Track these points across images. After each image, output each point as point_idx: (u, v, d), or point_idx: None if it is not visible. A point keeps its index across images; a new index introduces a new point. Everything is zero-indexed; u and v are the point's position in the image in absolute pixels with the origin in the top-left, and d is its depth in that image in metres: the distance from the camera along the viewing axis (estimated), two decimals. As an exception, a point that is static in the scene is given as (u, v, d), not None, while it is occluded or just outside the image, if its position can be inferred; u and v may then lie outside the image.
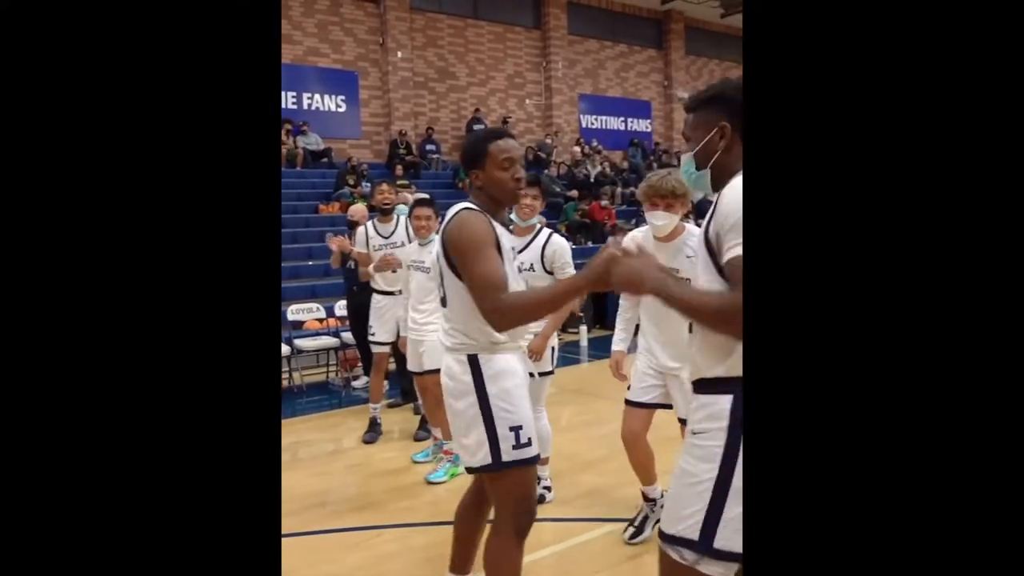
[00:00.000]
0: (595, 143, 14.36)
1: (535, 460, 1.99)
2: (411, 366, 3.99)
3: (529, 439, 1.95)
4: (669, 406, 2.86)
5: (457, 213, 1.95)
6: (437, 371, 3.56)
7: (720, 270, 1.40)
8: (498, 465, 1.93)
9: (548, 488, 3.42)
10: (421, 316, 3.87)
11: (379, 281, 4.56)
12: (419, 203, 3.98)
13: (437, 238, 3.70)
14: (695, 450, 1.44)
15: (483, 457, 1.94)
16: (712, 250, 1.41)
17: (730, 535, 1.36)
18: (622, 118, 15.91)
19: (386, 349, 4.58)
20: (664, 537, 1.46)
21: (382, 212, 4.55)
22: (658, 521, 2.87)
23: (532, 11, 14.41)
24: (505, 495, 2.00)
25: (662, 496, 3.00)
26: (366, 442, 4.53)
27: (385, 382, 5.59)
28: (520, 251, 3.24)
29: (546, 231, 3.30)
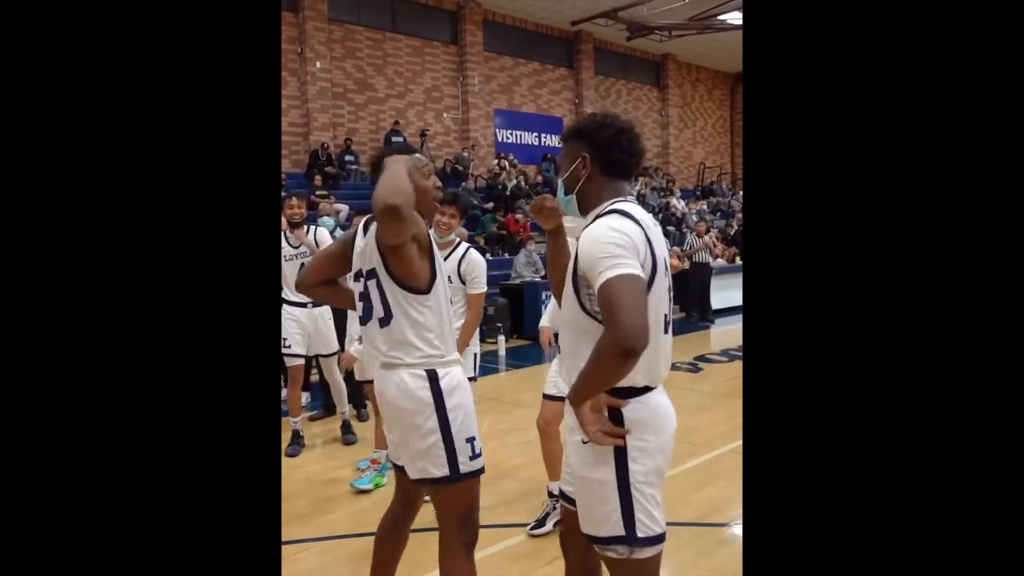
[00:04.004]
0: (511, 157, 14.65)
1: (482, 472, 2.05)
2: (359, 375, 4.02)
3: (480, 451, 2.01)
4: None
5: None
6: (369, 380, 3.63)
7: (583, 306, 1.55)
8: (456, 476, 1.97)
9: (474, 496, 3.56)
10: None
11: (287, 292, 4.43)
12: (359, 213, 4.01)
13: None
14: (588, 456, 1.56)
15: (440, 469, 1.97)
16: (577, 287, 1.55)
17: (647, 523, 1.54)
18: (536, 133, 16.28)
19: (300, 362, 4.52)
20: (595, 540, 1.58)
21: (293, 225, 4.40)
22: (559, 521, 3.13)
23: (449, 27, 14.57)
24: (452, 509, 2.04)
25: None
26: (289, 455, 4.50)
27: (306, 394, 5.56)
28: None
29: (464, 246, 3.46)
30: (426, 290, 1.96)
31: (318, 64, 12.37)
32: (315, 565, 3.05)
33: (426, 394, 1.95)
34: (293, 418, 4.60)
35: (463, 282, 3.40)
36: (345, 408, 4.76)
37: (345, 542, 3.26)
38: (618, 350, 1.36)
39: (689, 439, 4.57)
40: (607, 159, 1.63)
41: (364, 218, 2.10)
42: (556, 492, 3.21)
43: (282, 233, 4.47)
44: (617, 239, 1.45)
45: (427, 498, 3.63)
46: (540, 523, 3.22)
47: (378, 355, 2.03)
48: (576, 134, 1.68)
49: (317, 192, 10.72)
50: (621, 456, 1.53)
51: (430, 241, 1.98)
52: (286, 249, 4.43)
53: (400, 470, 2.20)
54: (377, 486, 3.88)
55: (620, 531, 1.54)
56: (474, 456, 2.00)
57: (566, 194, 1.69)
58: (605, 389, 1.51)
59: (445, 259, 3.37)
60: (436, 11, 14.27)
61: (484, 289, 3.44)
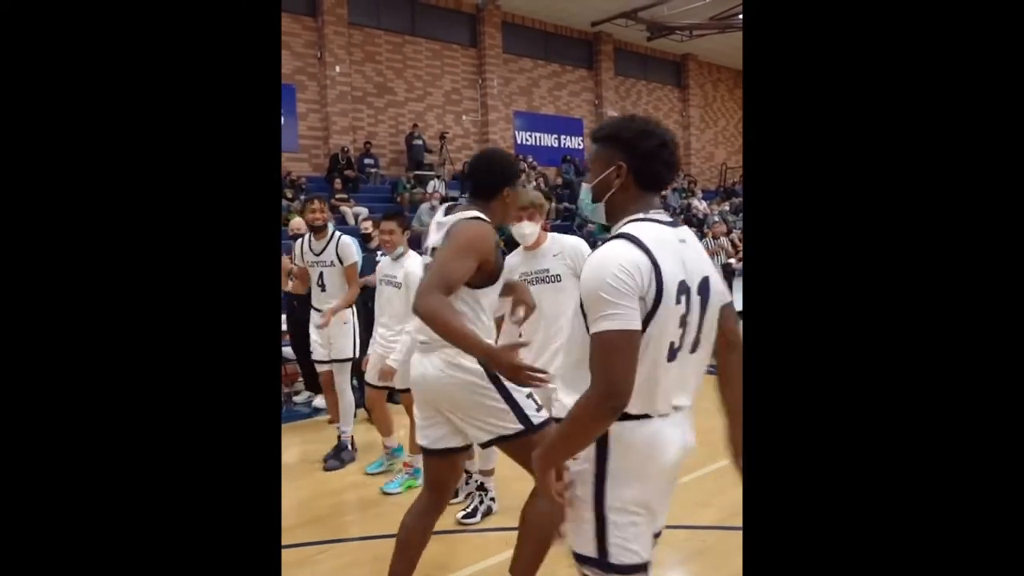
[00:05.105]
0: (530, 159, 14.64)
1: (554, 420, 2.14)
2: (369, 377, 3.97)
3: (541, 404, 2.15)
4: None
5: (472, 218, 2.12)
6: (405, 390, 3.57)
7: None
8: (531, 427, 2.09)
9: (493, 499, 3.54)
10: (390, 333, 3.84)
11: (313, 297, 4.45)
12: (385, 217, 3.99)
13: (411, 253, 3.64)
14: (574, 472, 1.50)
15: (514, 424, 2.09)
16: (584, 315, 1.43)
17: (619, 550, 1.46)
18: (555, 135, 16.26)
19: (326, 368, 4.47)
20: (574, 556, 1.53)
21: (314, 230, 4.32)
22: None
23: (468, 29, 14.62)
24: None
25: None
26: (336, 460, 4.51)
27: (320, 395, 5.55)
28: None
29: None
30: (481, 286, 2.09)
31: (337, 68, 12.47)
32: (335, 566, 3.06)
33: (476, 365, 2.06)
34: (332, 422, 4.61)
35: None
36: (347, 428, 4.51)
37: (365, 543, 3.27)
38: (601, 406, 1.36)
39: (711, 442, 4.50)
40: (645, 172, 1.51)
41: (445, 205, 2.29)
42: None
43: (306, 238, 4.44)
44: (616, 281, 1.36)
45: (454, 500, 3.65)
46: None
47: (422, 337, 2.16)
48: (613, 139, 1.54)
49: (337, 196, 10.79)
50: (599, 474, 1.46)
51: (496, 252, 2.10)
52: (308, 255, 4.38)
53: (433, 455, 2.25)
54: (409, 487, 3.89)
55: (592, 552, 1.48)
56: (539, 408, 2.13)
57: (594, 201, 1.57)
58: (582, 447, 1.45)
59: None
60: (455, 14, 14.32)
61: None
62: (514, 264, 3.03)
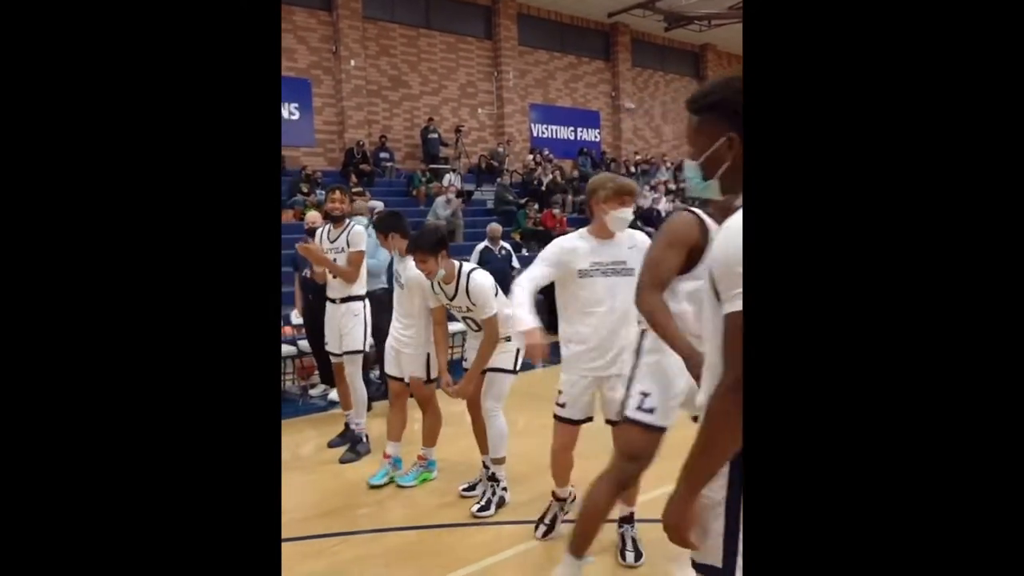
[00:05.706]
0: (546, 152, 14.60)
1: (655, 429, 2.26)
2: (388, 368, 3.99)
3: (654, 408, 2.25)
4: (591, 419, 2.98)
5: (683, 211, 2.23)
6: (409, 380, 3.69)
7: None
8: (623, 418, 2.29)
9: (505, 489, 3.54)
10: (400, 325, 3.88)
11: (328, 288, 4.48)
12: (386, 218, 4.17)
13: (409, 263, 3.66)
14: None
15: (617, 408, 2.35)
16: (716, 292, 1.24)
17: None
18: (571, 128, 16.19)
19: (340, 359, 4.48)
20: (694, 565, 1.35)
21: (333, 219, 4.42)
22: (562, 518, 3.12)
23: (483, 22, 14.58)
24: (620, 447, 2.34)
25: (572, 498, 3.18)
26: (330, 446, 4.63)
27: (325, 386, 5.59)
28: (452, 298, 3.44)
29: (466, 269, 3.44)
30: (677, 273, 2.20)
31: (352, 62, 12.50)
32: (351, 557, 3.08)
33: (632, 341, 2.41)
34: (345, 411, 4.65)
35: (474, 304, 3.39)
36: (361, 421, 4.49)
37: (381, 535, 3.30)
38: (740, 393, 1.12)
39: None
40: None
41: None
42: (563, 496, 3.20)
43: (325, 228, 4.50)
44: None
45: (462, 492, 3.63)
46: (550, 527, 3.19)
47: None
48: (718, 108, 1.34)
49: (353, 190, 10.84)
50: (736, 471, 1.25)
51: (706, 240, 2.12)
52: (325, 243, 4.44)
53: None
54: (424, 480, 3.90)
55: (717, 561, 1.28)
56: (641, 408, 2.25)
57: (705, 179, 1.38)
58: (729, 450, 1.21)
59: (455, 295, 3.40)
60: (470, 6, 14.28)
61: (494, 311, 3.37)
62: (584, 250, 2.82)
